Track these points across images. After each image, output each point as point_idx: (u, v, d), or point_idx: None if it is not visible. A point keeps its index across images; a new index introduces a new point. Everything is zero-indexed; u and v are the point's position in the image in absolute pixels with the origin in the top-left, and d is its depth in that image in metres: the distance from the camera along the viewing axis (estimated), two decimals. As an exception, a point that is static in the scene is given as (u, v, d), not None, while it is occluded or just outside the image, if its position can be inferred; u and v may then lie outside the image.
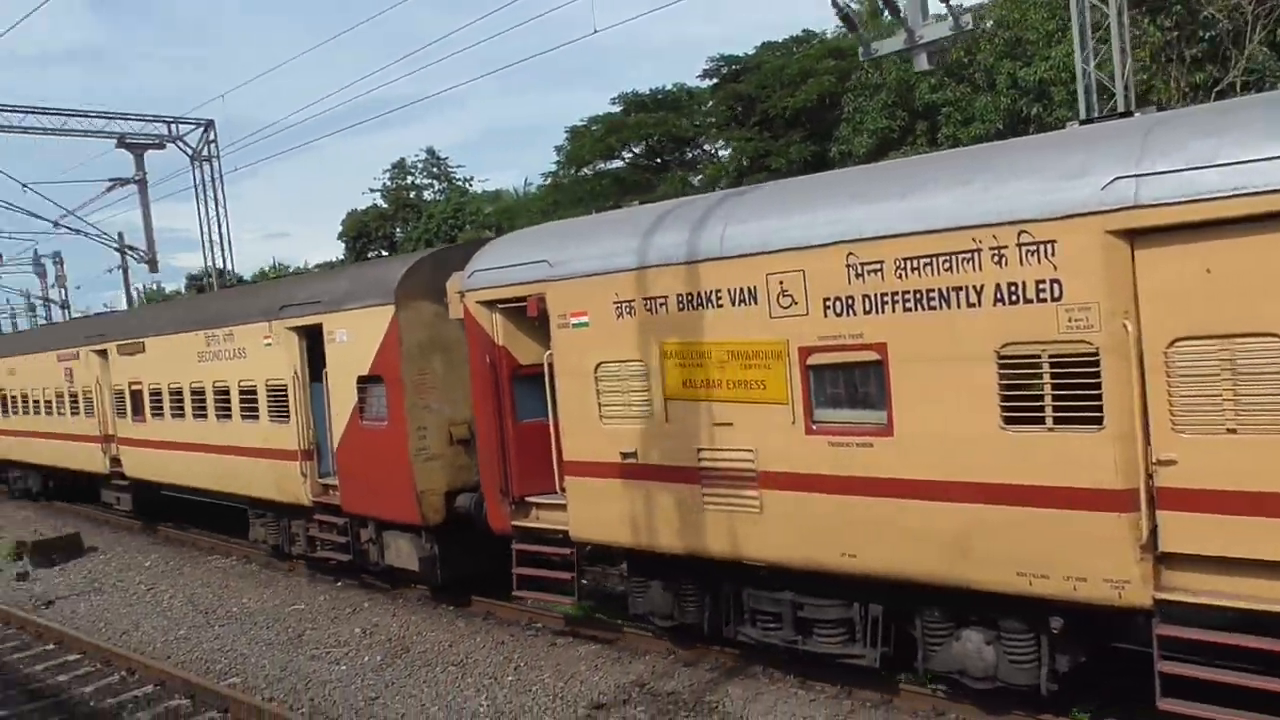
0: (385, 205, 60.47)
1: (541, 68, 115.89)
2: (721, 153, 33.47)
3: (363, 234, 59.32)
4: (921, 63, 11.74)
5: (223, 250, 26.84)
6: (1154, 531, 6.50)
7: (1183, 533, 6.43)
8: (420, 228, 53.07)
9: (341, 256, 59.98)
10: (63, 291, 46.61)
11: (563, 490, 10.26)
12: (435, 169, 63.21)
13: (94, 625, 13.93)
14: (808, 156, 27.47)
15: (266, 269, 66.93)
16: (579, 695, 9.48)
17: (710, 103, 33.22)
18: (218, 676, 11.11)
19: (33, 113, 24.42)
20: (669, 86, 34.69)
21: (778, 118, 28.93)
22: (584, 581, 11.33)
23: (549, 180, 41.24)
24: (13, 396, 25.30)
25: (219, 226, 26.56)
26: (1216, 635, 6.37)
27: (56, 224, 27.82)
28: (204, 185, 26.31)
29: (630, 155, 35.19)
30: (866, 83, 25.64)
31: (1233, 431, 6.19)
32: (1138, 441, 6.45)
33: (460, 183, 61.40)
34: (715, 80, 33.03)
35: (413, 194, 61.20)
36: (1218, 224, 6.10)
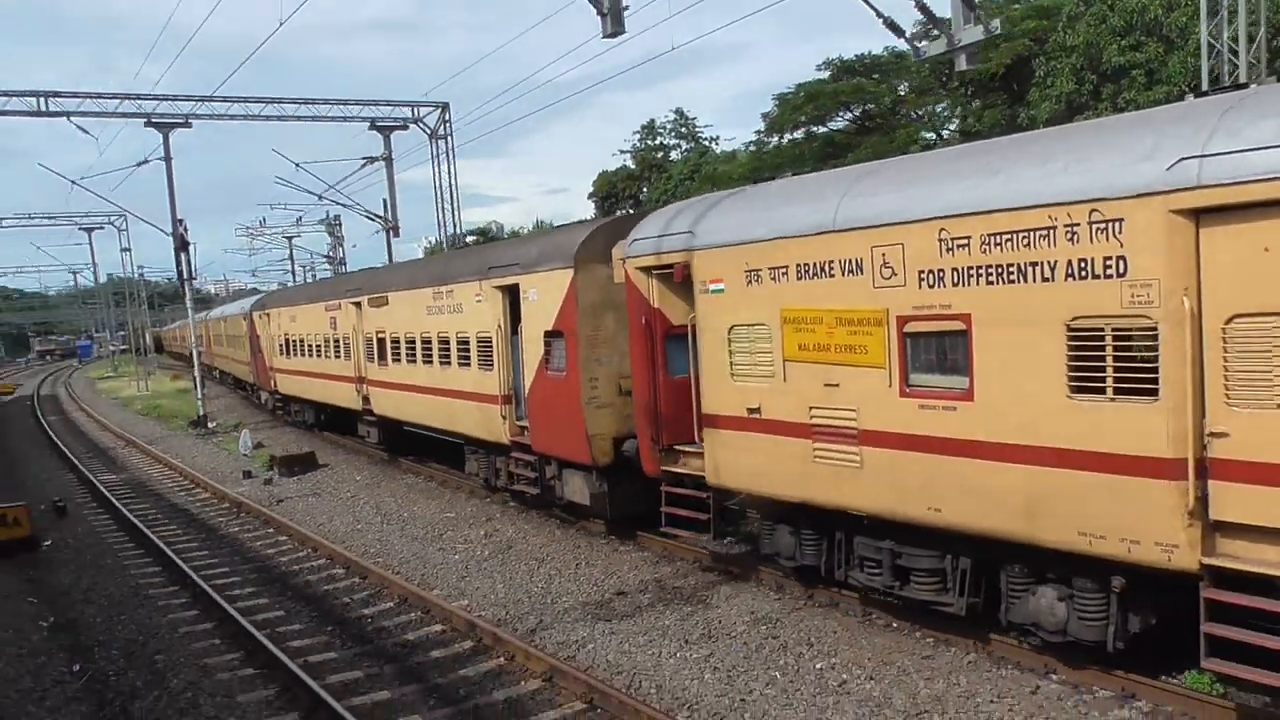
0: (633, 166, 63.17)
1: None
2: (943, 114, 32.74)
3: (611, 194, 62.40)
4: (961, 63, 11.90)
5: (454, 214, 29.87)
6: (1204, 500, 6.76)
7: (1232, 502, 6.66)
8: (660, 188, 55.13)
9: (593, 215, 63.61)
10: (341, 250, 52.76)
11: (700, 440, 11.39)
12: (683, 129, 65.06)
13: (303, 518, 17.93)
14: (1001, 120, 26.58)
15: (540, 222, 72.57)
16: (611, 583, 12.38)
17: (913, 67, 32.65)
18: (370, 558, 14.62)
19: (305, 103, 28.23)
20: (878, 51, 34.25)
21: (974, 81, 28.05)
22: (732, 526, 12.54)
23: (750, 147, 41.76)
24: (293, 341, 29.57)
25: (451, 194, 29.56)
26: (1262, 601, 6.57)
27: (320, 197, 31.93)
28: (437, 159, 29.30)
29: (843, 119, 35.06)
30: (1061, 44, 24.43)
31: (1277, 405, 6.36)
32: (1189, 413, 6.71)
33: (707, 142, 62.72)
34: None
35: (660, 154, 63.43)
36: (1276, 204, 6.25)
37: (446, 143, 29.38)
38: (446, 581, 13.23)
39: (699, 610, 11.05)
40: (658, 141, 64.81)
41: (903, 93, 33.27)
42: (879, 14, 12.46)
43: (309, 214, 58.87)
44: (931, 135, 32.01)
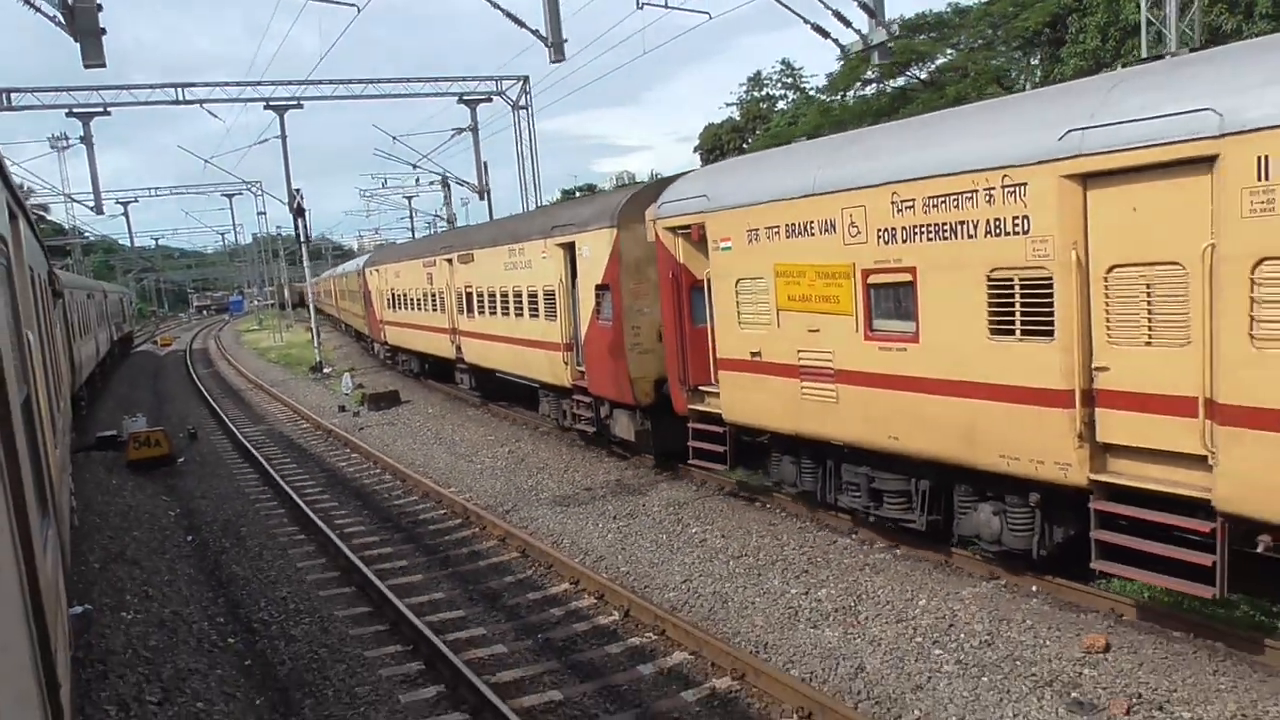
0: (739, 118, 63.66)
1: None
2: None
3: (716, 146, 63.11)
4: (874, 58, 13.14)
5: (534, 179, 31.71)
6: (1091, 425, 7.86)
7: (1114, 427, 7.75)
8: (761, 140, 55.62)
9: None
10: (449, 209, 55.36)
11: (717, 381, 12.81)
12: (789, 80, 64.97)
13: (377, 442, 21.38)
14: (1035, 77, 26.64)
15: (654, 173, 74.37)
16: (584, 482, 15.74)
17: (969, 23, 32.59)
18: (413, 468, 18.09)
19: (399, 81, 30.37)
20: (943, 8, 34.05)
21: (1018, 37, 28.03)
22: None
23: (814, 105, 42.08)
24: (398, 295, 32.04)
25: (532, 164, 31.38)
26: (1137, 511, 7.67)
27: (415, 166, 34.23)
28: (518, 129, 31.07)
29: (907, 76, 35.08)
30: (1090, 1, 24.34)
31: (1149, 344, 7.40)
32: (1076, 351, 7.79)
33: (814, 93, 62.58)
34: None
35: (765, 105, 63.61)
36: (1139, 170, 7.24)
37: (528, 112, 31.18)
38: (462, 482, 16.77)
39: (635, 499, 14.27)
40: (764, 93, 64.91)
41: (951, 52, 33.23)
42: (804, 19, 13.41)
43: (422, 176, 61.98)
44: (992, 90, 31.94)
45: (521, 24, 22.33)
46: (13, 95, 25.99)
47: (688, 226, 12.99)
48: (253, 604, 11.15)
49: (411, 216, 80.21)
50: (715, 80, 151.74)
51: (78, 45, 15.55)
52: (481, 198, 36.55)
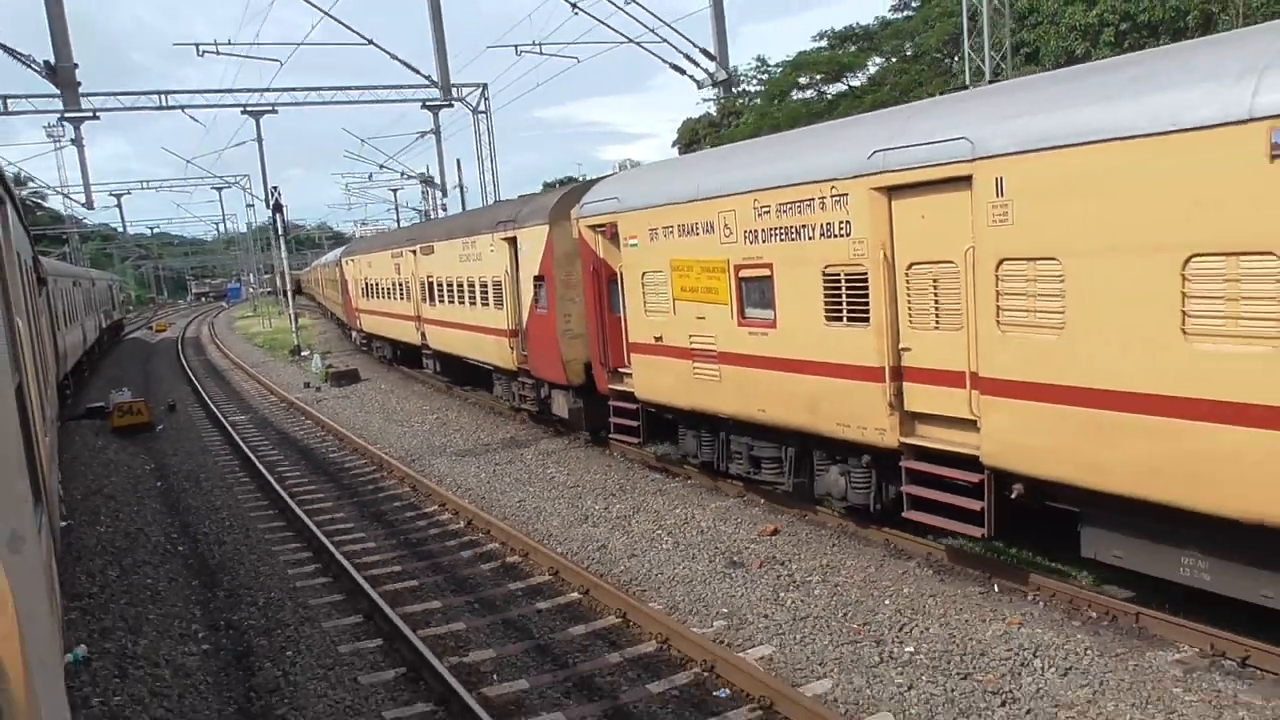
0: (714, 114, 64.97)
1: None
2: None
3: (694, 140, 64.37)
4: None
5: (493, 177, 33.23)
6: (900, 396, 9.43)
7: (916, 397, 9.32)
8: (734, 135, 56.90)
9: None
10: (426, 203, 57.01)
11: (629, 363, 14.35)
12: (764, 76, 66.24)
13: (329, 411, 24.25)
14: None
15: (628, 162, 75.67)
16: (486, 440, 18.84)
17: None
18: (353, 430, 21.02)
19: (366, 89, 32.04)
20: (869, 21, 36.27)
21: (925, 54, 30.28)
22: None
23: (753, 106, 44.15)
24: (370, 284, 33.52)
25: (491, 164, 32.93)
26: (933, 467, 9.25)
27: (381, 166, 35.75)
28: (477, 132, 32.59)
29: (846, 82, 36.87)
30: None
31: (937, 328, 8.96)
32: (886, 334, 9.35)
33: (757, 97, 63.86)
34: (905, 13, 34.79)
35: (740, 101, 64.88)
36: (924, 185, 8.78)
37: (487, 116, 32.79)
38: (387, 441, 19.99)
39: (517, 451, 17.57)
40: (740, 89, 66.10)
41: (881, 61, 35.14)
42: (663, 59, 14.80)
43: (407, 170, 63.39)
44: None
45: (415, 70, 23.69)
46: (9, 101, 27.55)
47: (604, 225, 14.51)
48: (199, 524, 14.23)
49: (397, 208, 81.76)
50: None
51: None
52: (444, 195, 38.22)
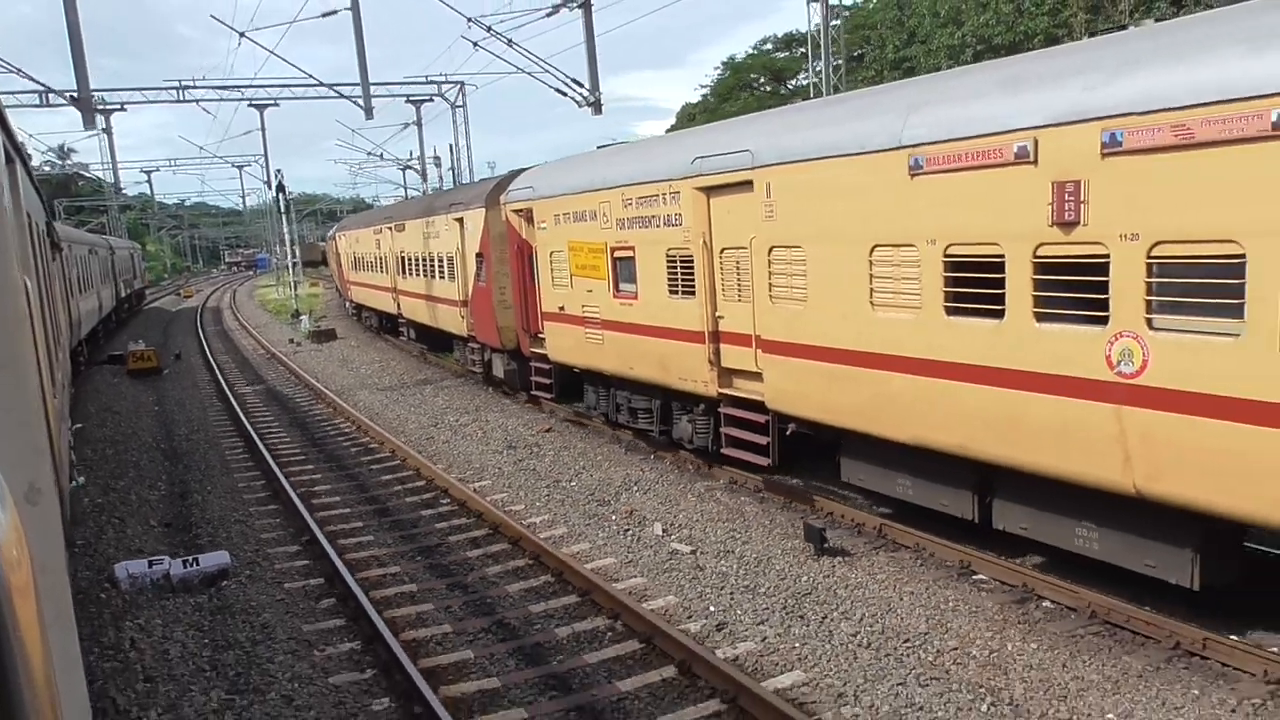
0: (712, 99, 66.96)
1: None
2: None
3: (692, 119, 66.45)
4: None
5: (469, 167, 35.73)
6: (718, 355, 11.72)
7: (728, 356, 11.61)
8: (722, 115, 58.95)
9: None
10: (425, 184, 59.41)
11: (544, 329, 16.68)
12: (764, 62, 68.29)
13: (301, 361, 28.35)
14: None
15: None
16: (412, 377, 23.28)
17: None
18: (313, 376, 24.79)
19: (355, 84, 34.37)
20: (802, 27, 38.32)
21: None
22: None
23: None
24: (356, 258, 35.93)
25: (467, 151, 35.36)
26: (738, 411, 11.55)
27: (369, 154, 38.19)
28: (455, 124, 34.87)
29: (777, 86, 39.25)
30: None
31: (739, 300, 11.23)
32: (706, 305, 11.63)
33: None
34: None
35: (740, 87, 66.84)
36: (727, 186, 11.02)
37: (464, 110, 35.55)
38: (334, 381, 24.16)
39: (422, 388, 21.86)
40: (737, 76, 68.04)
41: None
42: (547, 84, 16.98)
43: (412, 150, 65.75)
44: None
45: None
46: (50, 95, 30.35)
47: (524, 210, 16.79)
48: (176, 429, 18.97)
49: (405, 185, 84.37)
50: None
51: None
52: (424, 180, 40.83)
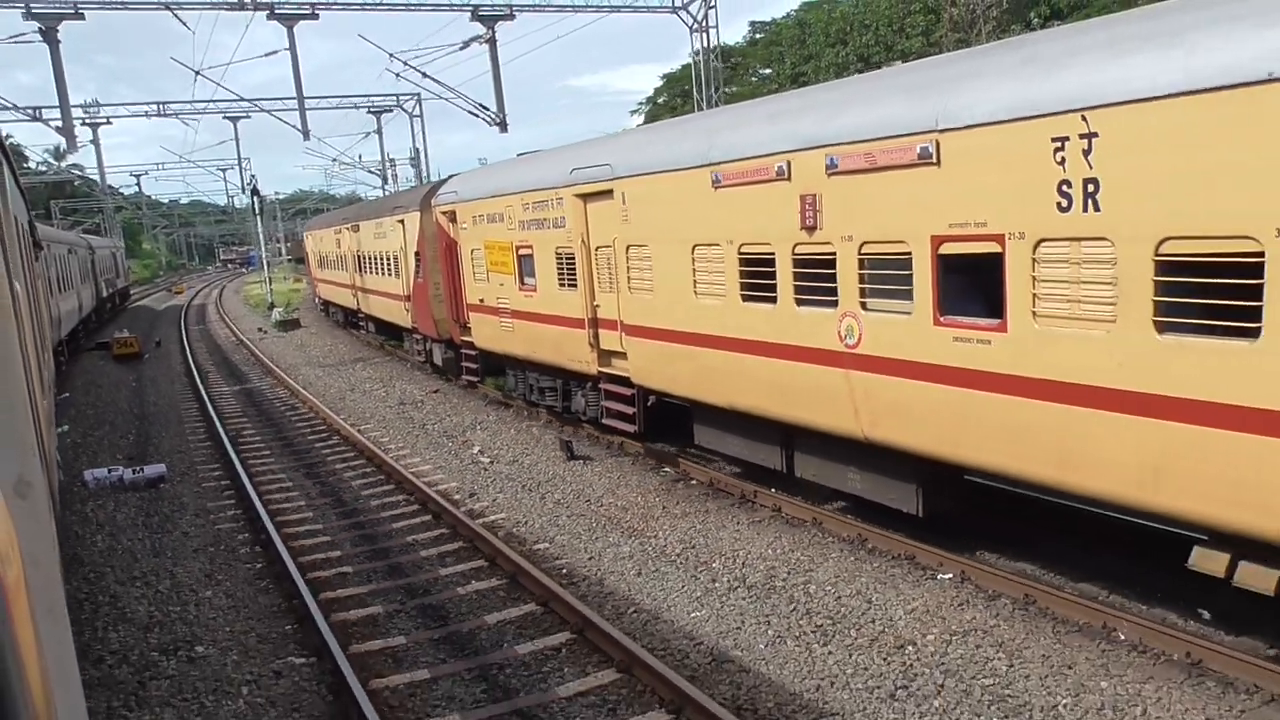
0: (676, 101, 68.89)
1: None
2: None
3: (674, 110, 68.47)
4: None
5: (426, 170, 37.54)
6: (596, 338, 13.59)
7: (604, 339, 13.49)
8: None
9: None
10: (395, 185, 61.10)
11: (469, 320, 18.53)
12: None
13: (264, 346, 32.16)
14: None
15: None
16: (350, 357, 27.10)
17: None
18: (270, 358, 28.33)
19: (326, 97, 36.49)
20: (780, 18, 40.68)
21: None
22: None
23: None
24: (321, 256, 37.68)
25: (424, 155, 37.06)
26: (612, 387, 13.43)
27: (334, 160, 40.04)
28: (413, 134, 36.54)
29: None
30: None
31: (609, 291, 13.10)
32: (586, 295, 13.50)
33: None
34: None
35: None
36: (596, 194, 12.89)
37: (421, 120, 37.58)
38: (286, 361, 27.93)
39: (353, 365, 25.90)
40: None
41: (768, 71, 39.43)
42: (464, 109, 18.79)
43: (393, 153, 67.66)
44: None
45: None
46: (43, 110, 32.25)
47: (450, 212, 18.63)
48: (149, 402, 22.34)
49: (384, 177, 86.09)
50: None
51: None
52: (384, 182, 42.98)
